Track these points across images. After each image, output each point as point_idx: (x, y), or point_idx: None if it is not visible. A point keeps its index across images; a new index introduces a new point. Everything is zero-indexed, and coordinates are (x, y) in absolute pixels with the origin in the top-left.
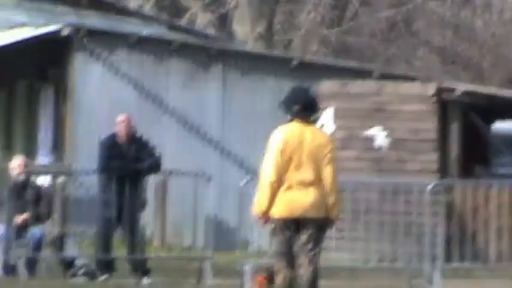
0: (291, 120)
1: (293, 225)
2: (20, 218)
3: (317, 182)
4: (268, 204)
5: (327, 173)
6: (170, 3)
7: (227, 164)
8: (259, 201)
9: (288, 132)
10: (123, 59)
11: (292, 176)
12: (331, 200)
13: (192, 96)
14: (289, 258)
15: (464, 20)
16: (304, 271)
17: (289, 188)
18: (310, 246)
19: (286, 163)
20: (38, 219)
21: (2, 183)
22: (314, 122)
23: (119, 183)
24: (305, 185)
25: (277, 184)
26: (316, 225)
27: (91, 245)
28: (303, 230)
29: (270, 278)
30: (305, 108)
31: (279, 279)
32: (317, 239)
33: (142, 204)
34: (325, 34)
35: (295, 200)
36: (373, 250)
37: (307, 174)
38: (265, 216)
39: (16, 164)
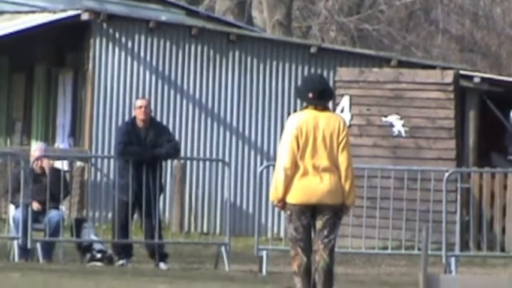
0: (306, 107)
1: (309, 211)
2: (37, 202)
3: (332, 168)
4: (284, 191)
5: (342, 159)
6: None
7: (245, 149)
8: (274, 188)
9: (302, 119)
10: (142, 44)
11: (308, 162)
12: (346, 186)
13: (210, 82)
14: (305, 244)
15: (483, 8)
16: (319, 257)
17: (305, 174)
18: (325, 232)
19: (301, 149)
20: (55, 200)
21: (20, 167)
22: (328, 108)
23: (137, 169)
24: (320, 171)
25: (292, 170)
26: (332, 211)
27: (108, 230)
28: (319, 216)
29: None
30: (319, 96)
31: (295, 265)
32: (333, 226)
33: (160, 190)
34: (344, 21)
35: (311, 187)
36: (390, 237)
37: (322, 160)
38: (281, 203)
39: (34, 149)
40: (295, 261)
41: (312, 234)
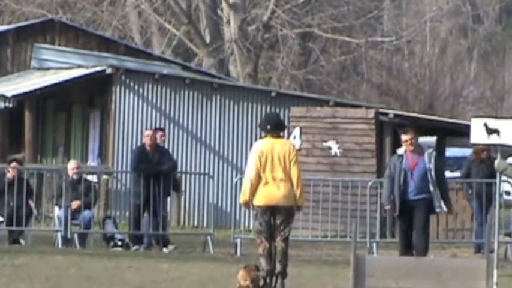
0: (266, 135)
1: (269, 211)
2: (74, 204)
3: (286, 178)
4: (250, 196)
5: (293, 172)
6: (184, 50)
7: (224, 166)
8: (243, 193)
9: (263, 144)
10: (150, 91)
11: (268, 175)
12: (297, 192)
13: (199, 117)
14: (267, 235)
15: (395, 63)
16: (278, 244)
17: (266, 183)
18: (282, 227)
19: (263, 166)
20: (87, 205)
21: (62, 179)
22: (282, 136)
23: (146, 180)
24: (277, 181)
25: (256, 181)
26: (286, 211)
27: (126, 224)
28: (277, 215)
29: (255, 278)
30: (274, 127)
31: (260, 250)
32: (287, 222)
33: (168, 194)
34: (295, 73)
35: (271, 193)
36: (329, 229)
37: (279, 173)
38: (248, 205)
39: (71, 166)
40: (260, 247)
41: (272, 228)
